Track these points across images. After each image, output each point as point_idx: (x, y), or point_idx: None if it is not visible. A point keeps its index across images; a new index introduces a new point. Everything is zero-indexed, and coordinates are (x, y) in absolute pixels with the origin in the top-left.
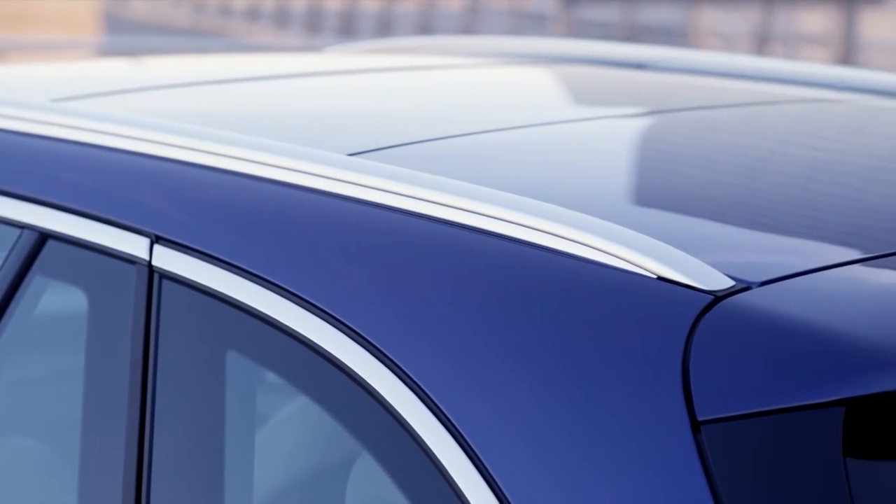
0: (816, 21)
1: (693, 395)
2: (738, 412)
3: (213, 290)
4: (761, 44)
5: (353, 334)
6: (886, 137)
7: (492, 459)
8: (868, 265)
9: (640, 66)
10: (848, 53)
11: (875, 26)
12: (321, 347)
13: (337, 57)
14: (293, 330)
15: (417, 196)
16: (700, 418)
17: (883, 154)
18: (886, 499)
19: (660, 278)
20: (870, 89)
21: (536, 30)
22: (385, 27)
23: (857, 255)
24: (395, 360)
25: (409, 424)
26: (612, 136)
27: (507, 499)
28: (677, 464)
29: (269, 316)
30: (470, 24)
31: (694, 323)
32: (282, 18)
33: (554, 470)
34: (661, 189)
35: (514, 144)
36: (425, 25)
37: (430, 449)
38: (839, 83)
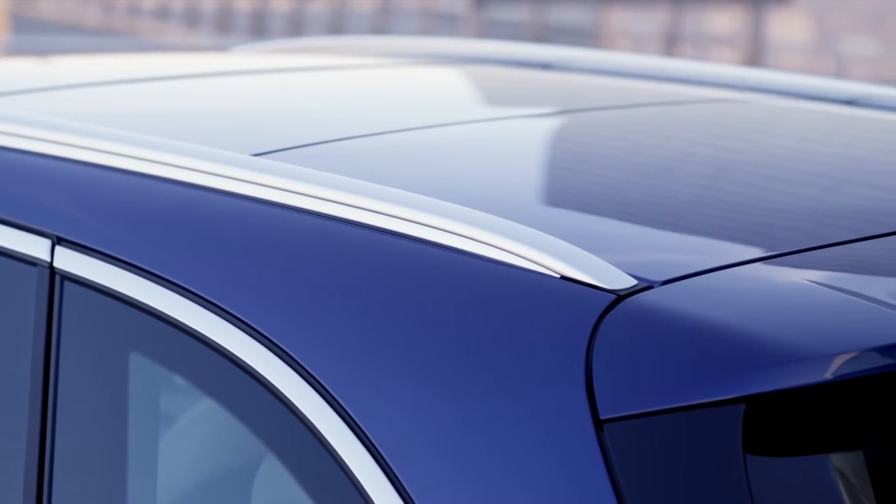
0: (725, 22)
1: (596, 394)
2: (641, 410)
3: (115, 291)
4: (670, 44)
5: (257, 335)
6: (790, 137)
7: (397, 460)
8: (769, 263)
9: (545, 66)
10: (756, 54)
11: (782, 27)
12: (225, 349)
13: (243, 57)
14: (197, 331)
15: (321, 196)
16: (603, 417)
17: (787, 154)
18: (785, 495)
19: (563, 278)
20: (775, 90)
21: (447, 30)
22: (296, 27)
23: (758, 253)
24: (299, 361)
25: (313, 425)
26: (517, 137)
27: (411, 499)
28: (581, 462)
29: (172, 317)
30: (381, 24)
31: (597, 322)
32: (192, 18)
33: (459, 470)
34: (566, 189)
35: (420, 144)
36: (336, 25)
37: (334, 450)
38: (744, 84)
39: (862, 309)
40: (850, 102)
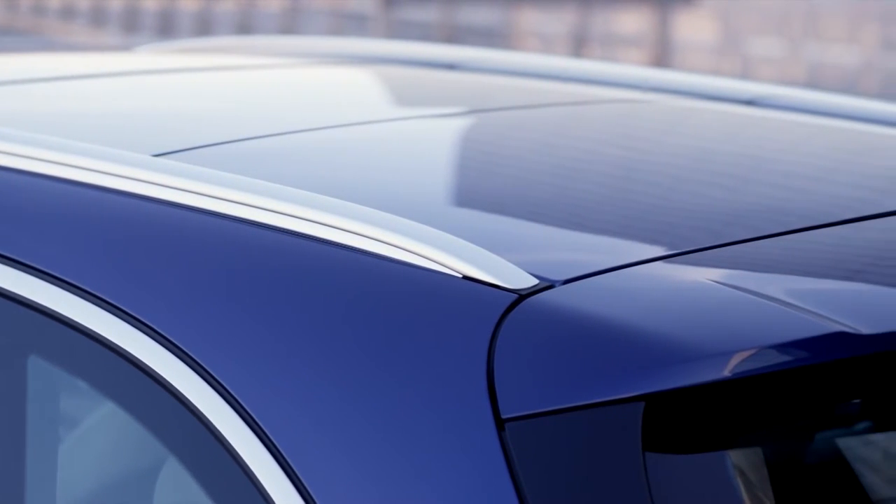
0: (632, 22)
1: (497, 393)
2: (541, 409)
3: (13, 293)
4: (579, 45)
5: (158, 337)
6: (694, 138)
7: (298, 460)
8: (670, 262)
9: (450, 66)
10: (663, 54)
11: (689, 27)
12: (125, 350)
13: (147, 57)
14: (96, 333)
15: (221, 196)
16: (504, 416)
17: (691, 154)
18: (684, 492)
19: (465, 277)
20: (678, 90)
21: (357, 30)
22: (204, 27)
23: (660, 252)
24: (199, 361)
25: (214, 426)
26: (422, 137)
27: (312, 499)
28: (482, 461)
29: (71, 319)
30: (290, 24)
31: (498, 322)
32: (98, 17)
33: (360, 469)
34: (470, 189)
35: (324, 144)
36: (245, 25)
37: (235, 451)
38: (649, 84)
39: (760, 307)
40: (750, 103)
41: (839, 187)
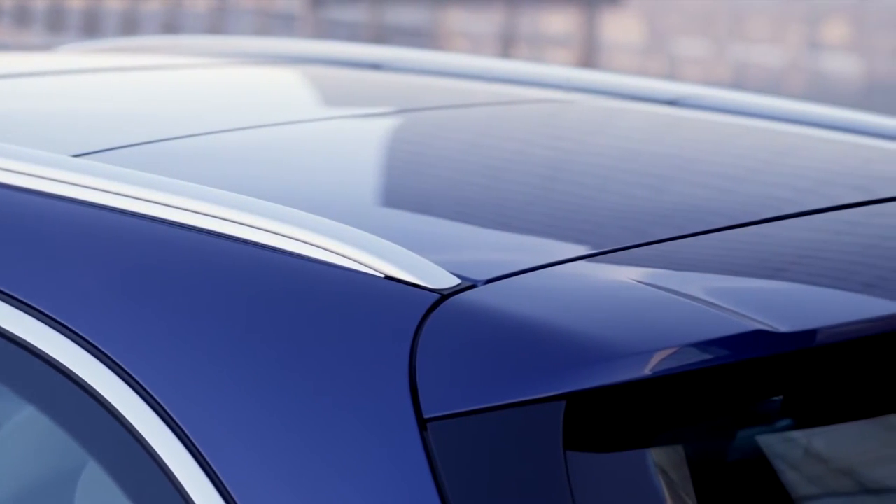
0: (560, 22)
1: (419, 393)
2: (463, 409)
3: None
4: (507, 45)
5: (78, 339)
6: (620, 138)
7: (221, 463)
8: (593, 261)
9: (375, 66)
10: (590, 54)
11: (615, 28)
12: (46, 353)
13: (69, 57)
14: (16, 336)
15: (140, 197)
16: (426, 416)
17: (617, 154)
18: (606, 491)
19: (387, 277)
20: (604, 90)
21: (284, 30)
22: (130, 26)
23: (583, 251)
24: (121, 364)
25: (136, 431)
26: (346, 137)
27: (234, 501)
28: (404, 462)
29: None
30: (217, 23)
31: (420, 322)
32: (22, 16)
33: (285, 472)
34: (394, 189)
35: (246, 145)
36: (171, 25)
37: (158, 455)
38: (573, 84)
39: (680, 305)
40: (672, 102)
41: (761, 187)
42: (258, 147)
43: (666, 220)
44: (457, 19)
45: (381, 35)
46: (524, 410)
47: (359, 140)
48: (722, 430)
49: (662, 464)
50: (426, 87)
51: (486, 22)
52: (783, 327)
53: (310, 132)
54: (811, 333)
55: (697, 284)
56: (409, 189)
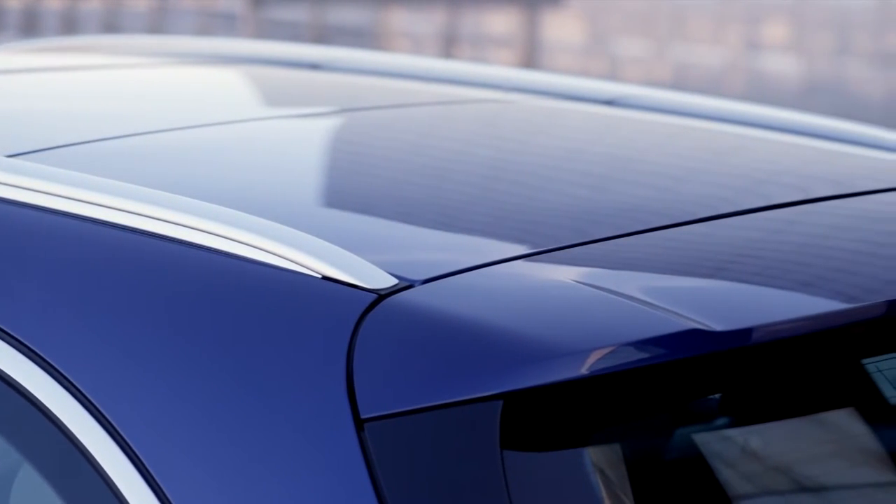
0: (502, 23)
1: (357, 394)
2: (401, 409)
3: None
4: (449, 45)
5: (11, 340)
6: (560, 138)
7: (156, 464)
8: (531, 261)
9: (314, 66)
10: (532, 55)
11: (557, 28)
12: None
13: (6, 56)
14: None
15: (75, 197)
16: (363, 416)
17: (557, 154)
18: (543, 490)
19: (324, 278)
20: (544, 91)
21: (225, 29)
22: (69, 25)
23: (522, 251)
24: (54, 364)
25: (69, 430)
26: (285, 137)
27: (170, 503)
28: (341, 462)
29: None
30: (157, 23)
31: (357, 322)
32: None
33: (221, 474)
34: (333, 189)
35: (184, 145)
36: (111, 24)
37: (93, 457)
38: (513, 84)
39: (617, 305)
40: (609, 102)
41: (700, 186)
42: (195, 147)
43: (605, 220)
44: (399, 19)
45: (323, 35)
46: (461, 410)
47: (298, 140)
48: (659, 429)
49: (600, 463)
50: (366, 87)
51: (428, 22)
52: (718, 326)
53: (248, 132)
54: (746, 332)
55: (635, 284)
56: (348, 189)
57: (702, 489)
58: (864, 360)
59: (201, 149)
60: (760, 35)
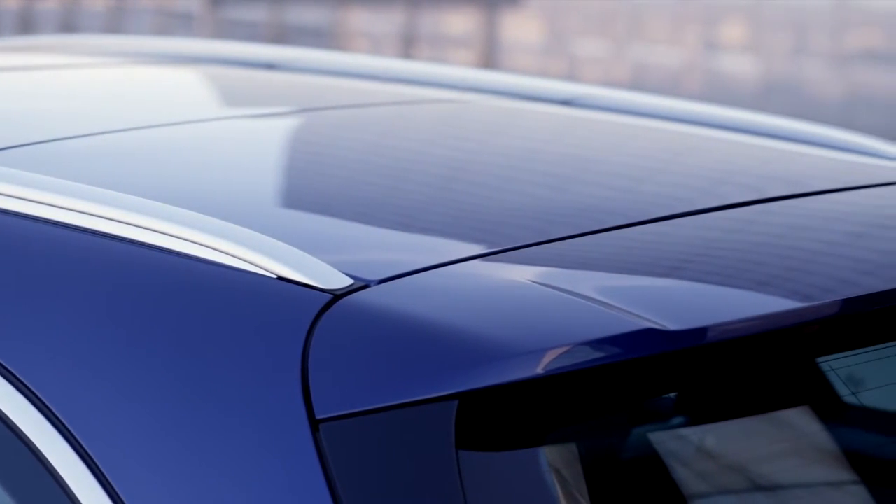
0: (461, 23)
1: (312, 395)
2: (356, 409)
3: None
4: (408, 45)
5: None
6: (519, 138)
7: (110, 466)
8: (488, 260)
9: (270, 66)
10: (491, 55)
11: (516, 28)
12: None
13: None
14: None
15: (27, 197)
16: (319, 417)
17: (515, 154)
18: (498, 490)
19: (279, 278)
20: (502, 91)
21: (183, 29)
22: (26, 25)
23: (478, 251)
24: (5, 364)
25: (20, 430)
26: (241, 137)
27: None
28: (297, 463)
29: None
30: (115, 23)
31: (312, 322)
32: None
33: (175, 475)
34: (289, 189)
35: (140, 144)
36: (68, 24)
37: (47, 460)
38: (470, 85)
39: (572, 304)
40: (566, 102)
41: (656, 186)
42: (150, 147)
43: (562, 220)
44: (358, 19)
45: (282, 35)
46: (417, 410)
47: (254, 140)
48: (614, 428)
49: (555, 462)
50: (323, 88)
51: (387, 22)
52: (673, 325)
53: (204, 132)
54: (701, 331)
55: (590, 283)
56: (304, 189)
57: (658, 488)
58: (819, 359)
59: (156, 149)
60: (718, 35)
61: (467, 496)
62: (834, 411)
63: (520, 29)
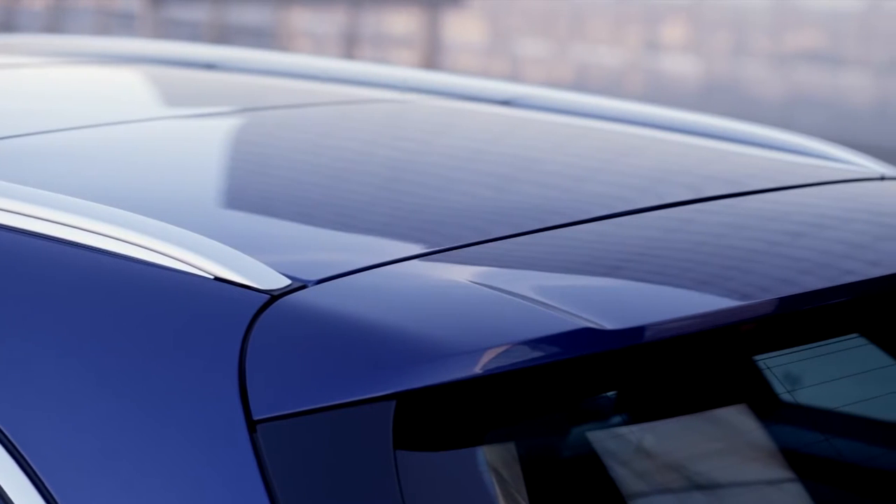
0: (403, 23)
1: (249, 395)
2: (293, 410)
3: None
4: (350, 45)
5: None
6: (460, 138)
7: (44, 469)
8: (427, 260)
9: (209, 66)
10: (433, 55)
11: (458, 28)
12: None
13: None
14: None
15: None
16: (256, 417)
17: (456, 154)
18: (436, 490)
19: (217, 279)
20: (443, 91)
21: (124, 29)
22: None
23: (418, 250)
24: None
25: None
26: (179, 137)
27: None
28: (234, 464)
29: None
30: (55, 22)
31: (250, 323)
32: None
33: (110, 476)
34: (227, 190)
35: (77, 144)
36: (7, 23)
37: None
38: (411, 85)
39: (509, 304)
40: (506, 103)
41: (597, 186)
42: (87, 147)
43: (501, 219)
44: (300, 19)
45: (223, 35)
46: (354, 411)
47: (192, 140)
48: (552, 428)
49: (494, 462)
50: (262, 87)
51: (330, 22)
52: (611, 325)
53: (142, 132)
54: (638, 330)
55: (529, 283)
56: (243, 189)
57: (596, 487)
58: (756, 358)
59: (93, 149)
60: (659, 36)
61: (405, 496)
62: (771, 409)
63: (462, 29)
